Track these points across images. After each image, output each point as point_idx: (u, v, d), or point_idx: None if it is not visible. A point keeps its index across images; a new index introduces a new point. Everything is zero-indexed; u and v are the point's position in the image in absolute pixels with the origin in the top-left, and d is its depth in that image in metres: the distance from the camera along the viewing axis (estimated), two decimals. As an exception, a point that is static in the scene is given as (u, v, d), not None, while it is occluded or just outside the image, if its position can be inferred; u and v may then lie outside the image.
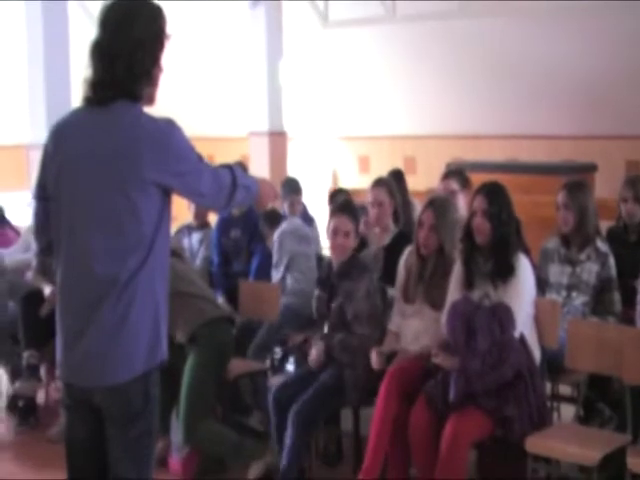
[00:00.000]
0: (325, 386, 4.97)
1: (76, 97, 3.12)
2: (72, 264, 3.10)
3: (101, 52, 3.06)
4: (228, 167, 3.26)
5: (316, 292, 5.33)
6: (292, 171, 11.36)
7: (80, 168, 3.05)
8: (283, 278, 6.53)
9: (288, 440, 4.87)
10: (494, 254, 4.59)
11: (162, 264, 3.16)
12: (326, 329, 5.20)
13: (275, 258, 6.60)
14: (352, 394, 4.93)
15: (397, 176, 7.04)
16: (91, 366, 3.10)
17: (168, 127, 3.10)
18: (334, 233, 5.14)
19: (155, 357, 3.17)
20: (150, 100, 3.19)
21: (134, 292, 3.06)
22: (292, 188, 7.49)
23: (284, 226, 6.71)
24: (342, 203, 5.43)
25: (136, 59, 3.06)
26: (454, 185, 6.01)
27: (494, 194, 4.67)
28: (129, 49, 3.05)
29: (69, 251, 3.11)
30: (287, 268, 6.54)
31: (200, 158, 3.15)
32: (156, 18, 3.14)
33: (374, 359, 4.89)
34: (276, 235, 6.61)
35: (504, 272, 4.56)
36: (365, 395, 4.93)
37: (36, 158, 8.85)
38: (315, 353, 5.09)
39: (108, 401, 3.12)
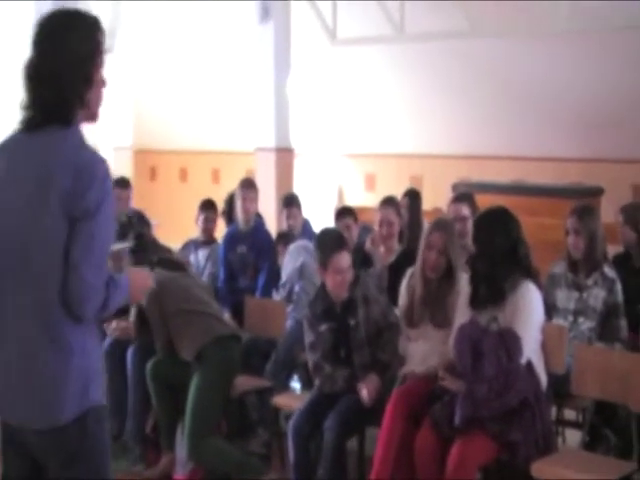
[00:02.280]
0: (356, 401, 4.90)
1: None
2: (2, 289, 2.91)
3: (29, 73, 2.88)
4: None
5: (322, 327, 5.11)
6: (298, 188, 11.39)
7: (3, 193, 2.91)
8: (291, 290, 6.49)
9: (328, 447, 4.79)
10: (488, 279, 4.60)
11: None
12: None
13: (285, 272, 6.57)
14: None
15: (413, 195, 7.06)
16: (16, 404, 2.90)
17: (95, 160, 2.87)
18: (338, 272, 5.01)
19: (86, 402, 2.88)
20: (92, 117, 3.00)
21: (51, 330, 2.83)
22: (286, 202, 7.52)
23: (298, 242, 6.75)
24: (338, 239, 5.27)
25: (66, 81, 2.86)
26: (465, 210, 6.00)
27: (485, 221, 4.71)
28: (58, 70, 2.85)
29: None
30: (298, 278, 6.49)
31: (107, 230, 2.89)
32: (92, 33, 2.93)
33: (364, 395, 4.84)
34: (291, 247, 6.63)
35: (497, 297, 4.56)
36: None
37: None
38: (371, 391, 4.90)
39: (40, 441, 2.90)
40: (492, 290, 4.56)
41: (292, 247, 6.66)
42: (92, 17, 2.95)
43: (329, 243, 5.13)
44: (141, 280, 3.15)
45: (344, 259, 5.04)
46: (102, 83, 2.97)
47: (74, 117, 2.90)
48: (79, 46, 2.88)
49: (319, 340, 5.15)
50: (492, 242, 4.58)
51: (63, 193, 2.78)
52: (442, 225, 5.09)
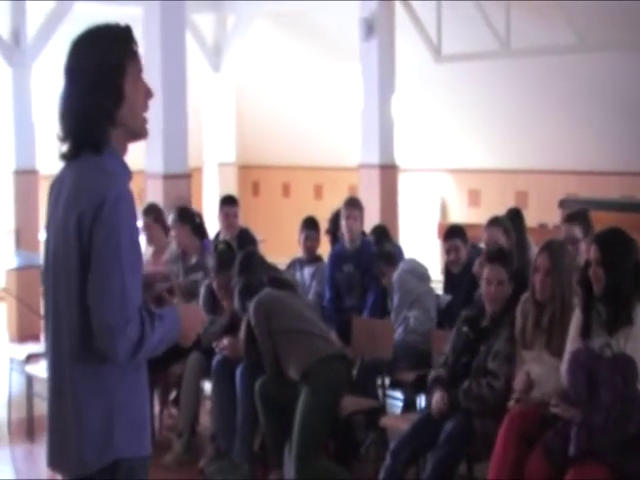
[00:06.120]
0: (455, 435, 4.86)
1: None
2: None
3: (60, 105, 2.71)
4: (148, 314, 2.66)
5: (464, 329, 5.14)
6: (401, 204, 11.35)
7: (49, 231, 2.80)
8: (405, 317, 6.37)
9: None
10: (610, 303, 4.49)
11: None
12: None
13: (396, 300, 6.45)
14: (482, 446, 4.77)
15: (514, 215, 6.94)
16: (53, 451, 2.81)
17: (107, 187, 2.62)
18: (487, 282, 5.09)
19: (111, 453, 2.67)
20: (135, 135, 2.76)
21: (75, 373, 2.68)
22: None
23: (402, 266, 6.63)
24: (495, 252, 5.32)
25: (91, 103, 2.63)
26: (577, 232, 5.85)
27: (610, 242, 4.52)
28: (82, 92, 2.64)
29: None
30: (409, 307, 6.38)
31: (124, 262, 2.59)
32: (115, 44, 2.67)
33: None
34: (395, 276, 6.53)
35: (621, 322, 4.44)
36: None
37: None
38: (438, 401, 4.99)
39: None
40: (614, 315, 4.44)
41: (395, 278, 6.50)
42: (116, 27, 2.70)
43: (488, 255, 5.31)
44: (194, 316, 2.84)
45: (493, 272, 5.09)
46: (141, 94, 2.72)
47: (104, 141, 2.67)
48: (101, 61, 2.63)
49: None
50: (616, 264, 4.44)
51: (76, 229, 2.62)
52: (548, 247, 4.99)
